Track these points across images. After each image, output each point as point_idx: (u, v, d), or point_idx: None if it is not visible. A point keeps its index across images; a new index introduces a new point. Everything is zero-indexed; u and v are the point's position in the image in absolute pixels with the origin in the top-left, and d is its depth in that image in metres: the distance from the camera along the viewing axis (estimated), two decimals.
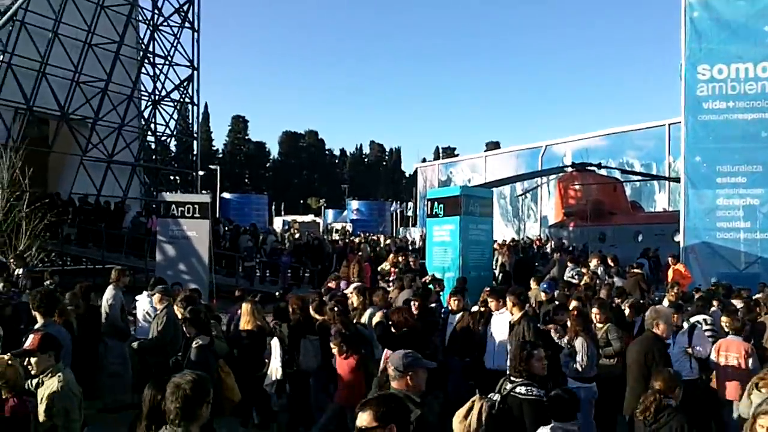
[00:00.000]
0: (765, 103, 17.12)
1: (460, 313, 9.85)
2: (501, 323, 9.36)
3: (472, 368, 9.65)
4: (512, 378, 5.96)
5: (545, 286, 11.60)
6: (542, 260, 23.62)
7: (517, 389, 5.80)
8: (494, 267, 18.37)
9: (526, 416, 5.62)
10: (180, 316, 8.59)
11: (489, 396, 5.60)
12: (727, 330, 8.90)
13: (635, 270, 14.88)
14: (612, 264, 16.20)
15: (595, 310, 9.07)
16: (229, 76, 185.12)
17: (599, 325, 8.90)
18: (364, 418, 3.35)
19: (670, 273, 15.94)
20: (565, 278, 14.86)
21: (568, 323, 8.63)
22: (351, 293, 10.74)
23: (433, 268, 15.34)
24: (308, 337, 8.73)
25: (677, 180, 23.21)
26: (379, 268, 16.23)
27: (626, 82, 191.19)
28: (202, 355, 7.19)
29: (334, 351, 7.79)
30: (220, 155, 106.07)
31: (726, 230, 17.51)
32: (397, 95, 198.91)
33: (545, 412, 5.33)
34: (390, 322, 8.17)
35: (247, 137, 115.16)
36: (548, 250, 28.11)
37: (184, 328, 7.87)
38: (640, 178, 40.39)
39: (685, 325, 8.94)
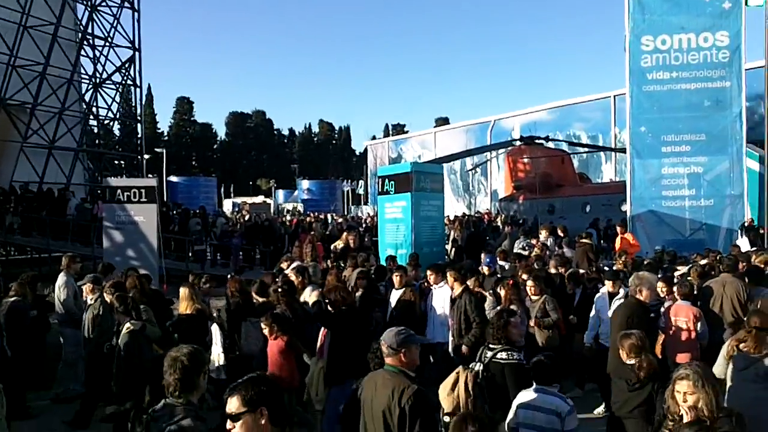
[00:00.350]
0: (707, 73, 17.44)
1: (402, 289, 9.85)
2: (440, 298, 9.51)
3: None
4: (491, 345, 6.14)
5: (488, 260, 11.69)
6: (493, 234, 23.79)
7: (498, 355, 6.02)
8: (446, 242, 18.45)
9: (509, 380, 5.84)
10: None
11: (470, 366, 5.85)
12: (663, 295, 9.07)
13: (584, 240, 15.05)
14: (562, 234, 16.40)
15: (530, 283, 9.21)
16: (172, 56, 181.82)
17: (534, 298, 9.03)
18: (232, 404, 3.25)
19: (617, 242, 16.18)
20: (515, 251, 15.00)
21: (502, 293, 8.74)
22: (289, 273, 10.72)
23: (386, 245, 15.32)
24: (249, 320, 8.60)
25: (623, 150, 23.60)
26: (332, 247, 16.15)
27: (572, 55, 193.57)
28: (134, 340, 7.10)
29: (265, 331, 7.71)
30: (166, 138, 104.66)
31: (671, 198, 17.87)
32: (345, 74, 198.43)
33: (526, 375, 5.51)
34: (327, 301, 8.06)
35: (192, 119, 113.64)
36: (499, 223, 28.33)
37: (115, 315, 7.71)
38: (586, 149, 40.97)
39: (622, 291, 9.01)
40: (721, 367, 6.37)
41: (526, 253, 14.33)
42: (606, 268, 12.30)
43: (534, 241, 15.85)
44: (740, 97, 17.28)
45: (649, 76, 17.86)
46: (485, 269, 11.41)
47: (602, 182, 39.11)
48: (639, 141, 18.16)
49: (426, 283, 10.19)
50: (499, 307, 8.71)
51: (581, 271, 11.63)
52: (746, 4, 16.99)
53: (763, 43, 17.15)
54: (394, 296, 9.88)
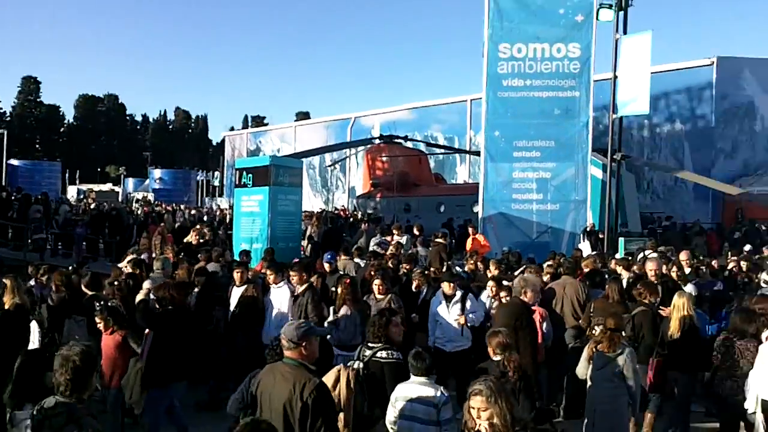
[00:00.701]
0: (558, 82, 18.20)
1: (244, 286, 9.64)
2: (278, 297, 9.35)
3: (256, 341, 9.25)
4: (370, 344, 6.21)
5: (328, 257, 11.59)
6: (350, 230, 23.82)
7: (378, 354, 6.11)
8: (303, 238, 18.30)
9: (388, 378, 5.93)
10: None
11: (350, 364, 5.99)
12: (492, 295, 9.37)
13: (438, 240, 15.30)
14: (417, 233, 16.62)
15: (376, 281, 9.03)
16: (19, 33, 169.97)
17: (379, 297, 8.86)
18: None
19: (469, 242, 16.57)
20: (371, 248, 15.06)
21: (339, 291, 8.68)
22: (124, 265, 10.28)
23: (241, 240, 15.01)
24: (74, 317, 8.07)
25: (477, 153, 24.25)
26: (184, 240, 15.63)
27: (432, 57, 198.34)
28: None
29: (100, 326, 7.28)
30: (8, 118, 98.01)
31: (520, 202, 18.55)
32: (203, 61, 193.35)
33: (404, 373, 5.64)
34: (154, 299, 7.66)
35: (38, 100, 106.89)
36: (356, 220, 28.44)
37: None
38: (443, 151, 41.99)
39: (458, 294, 8.95)
40: (582, 368, 6.83)
41: (381, 251, 14.40)
42: (458, 269, 12.51)
43: (389, 239, 15.97)
44: (588, 107, 18.15)
45: (505, 83, 18.43)
46: (326, 266, 11.32)
47: (456, 183, 40.22)
48: (493, 145, 18.72)
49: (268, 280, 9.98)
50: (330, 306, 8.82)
51: (432, 269, 11.78)
52: (597, 18, 17.89)
53: (611, 56, 18.17)
54: (236, 293, 9.62)
